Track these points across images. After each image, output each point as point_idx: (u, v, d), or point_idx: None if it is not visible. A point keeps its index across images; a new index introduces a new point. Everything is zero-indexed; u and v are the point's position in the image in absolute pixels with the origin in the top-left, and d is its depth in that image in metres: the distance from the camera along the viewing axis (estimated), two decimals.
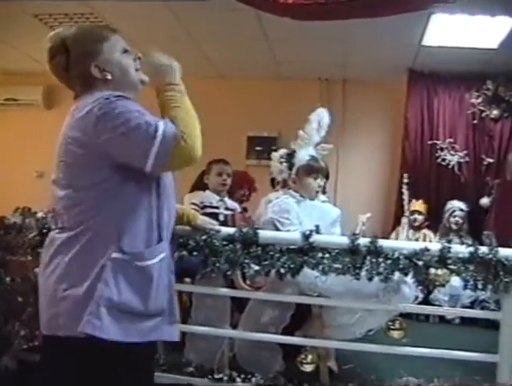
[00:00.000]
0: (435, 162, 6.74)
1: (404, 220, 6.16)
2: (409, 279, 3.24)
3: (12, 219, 3.43)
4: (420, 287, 3.38)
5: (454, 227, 6.20)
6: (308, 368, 3.37)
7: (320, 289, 3.34)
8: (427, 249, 3.17)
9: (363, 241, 3.19)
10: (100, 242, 1.99)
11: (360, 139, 7.23)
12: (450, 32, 5.70)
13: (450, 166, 6.69)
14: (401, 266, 3.15)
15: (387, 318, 3.39)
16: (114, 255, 1.98)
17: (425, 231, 6.28)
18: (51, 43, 2.16)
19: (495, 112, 6.59)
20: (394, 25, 5.07)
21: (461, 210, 6.25)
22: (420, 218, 6.32)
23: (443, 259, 3.18)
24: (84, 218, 1.99)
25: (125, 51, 2.19)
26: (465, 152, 6.69)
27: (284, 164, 4.09)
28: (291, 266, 3.19)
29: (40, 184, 7.18)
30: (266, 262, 3.20)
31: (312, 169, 3.93)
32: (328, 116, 4.18)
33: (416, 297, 3.38)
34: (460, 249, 3.23)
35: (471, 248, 3.20)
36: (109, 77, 2.13)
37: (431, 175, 6.70)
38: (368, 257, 3.18)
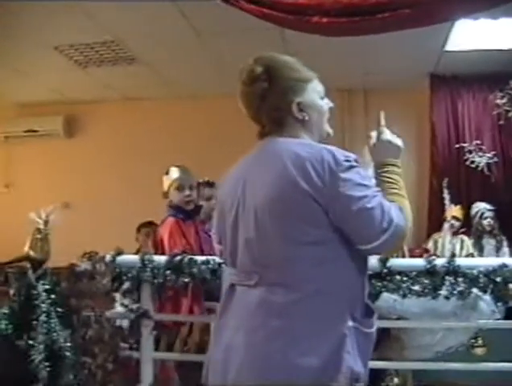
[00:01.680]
0: (463, 165, 6.73)
1: (446, 226, 6.12)
2: (486, 295, 3.24)
3: (82, 265, 3.38)
4: (499, 303, 3.37)
5: (488, 228, 6.14)
6: None
7: (398, 312, 3.35)
8: (504, 265, 3.17)
9: (440, 262, 3.19)
10: (335, 307, 1.86)
11: None
12: (473, 36, 5.73)
13: (479, 168, 6.68)
14: (480, 284, 3.16)
15: (467, 336, 3.39)
16: (350, 323, 1.86)
17: (462, 236, 6.23)
18: (254, 66, 2.03)
19: None
20: (416, 33, 5.05)
21: (489, 210, 6.18)
22: (457, 224, 6.27)
23: None
24: (311, 277, 1.85)
25: (323, 98, 2.11)
26: (493, 152, 6.68)
27: None
28: (371, 292, 3.19)
29: (66, 215, 7.15)
30: None
31: None
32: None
33: (493, 312, 3.36)
34: None
35: None
36: (307, 119, 2.02)
37: (460, 178, 6.70)
38: (446, 277, 3.19)
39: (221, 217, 2.10)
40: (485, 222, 6.16)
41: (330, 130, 2.13)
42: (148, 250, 5.20)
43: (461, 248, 6.10)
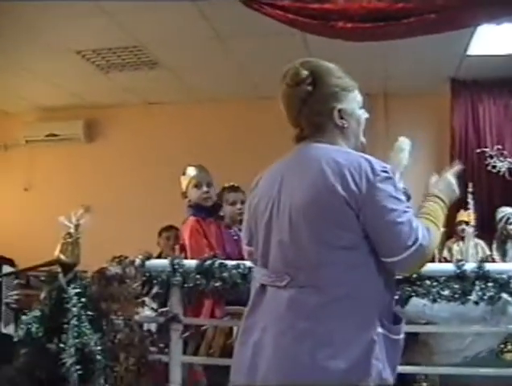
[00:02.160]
0: (484, 170, 6.71)
1: (470, 230, 6.10)
2: None
3: (112, 269, 3.40)
4: None
5: None
6: None
7: (427, 317, 3.34)
8: None
9: (470, 267, 3.19)
10: (364, 312, 1.88)
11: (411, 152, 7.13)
12: (495, 41, 5.72)
13: (501, 173, 6.67)
14: (510, 289, 3.16)
15: (497, 341, 3.38)
16: (379, 329, 1.88)
17: (476, 240, 6.19)
18: (300, 69, 2.04)
19: None
20: (438, 37, 5.05)
21: None
22: (468, 228, 6.22)
23: None
24: (341, 281, 1.88)
25: (361, 108, 2.15)
26: None
27: None
28: (401, 297, 3.19)
29: (88, 218, 7.16)
30: None
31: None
32: (409, 143, 4.15)
33: None
34: None
35: None
36: (346, 126, 2.06)
37: (481, 183, 6.65)
38: (476, 282, 3.18)
39: (253, 218, 2.12)
40: (510, 227, 6.10)
41: (364, 140, 2.16)
42: (169, 254, 5.26)
43: (477, 252, 6.08)
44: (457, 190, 2.21)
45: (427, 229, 1.91)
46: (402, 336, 1.98)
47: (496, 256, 6.05)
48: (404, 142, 4.18)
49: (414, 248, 1.85)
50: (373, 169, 1.89)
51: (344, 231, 1.89)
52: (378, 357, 1.85)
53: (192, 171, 4.19)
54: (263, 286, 2.02)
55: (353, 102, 2.11)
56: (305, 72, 2.04)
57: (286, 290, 1.93)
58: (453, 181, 2.22)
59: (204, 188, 4.07)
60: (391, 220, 1.86)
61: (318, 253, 1.90)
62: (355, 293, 1.88)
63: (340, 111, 2.04)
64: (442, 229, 2.04)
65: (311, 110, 2.04)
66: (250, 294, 2.12)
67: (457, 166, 2.28)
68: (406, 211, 1.88)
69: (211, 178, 4.19)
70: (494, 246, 6.13)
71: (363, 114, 2.15)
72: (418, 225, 1.89)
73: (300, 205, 1.93)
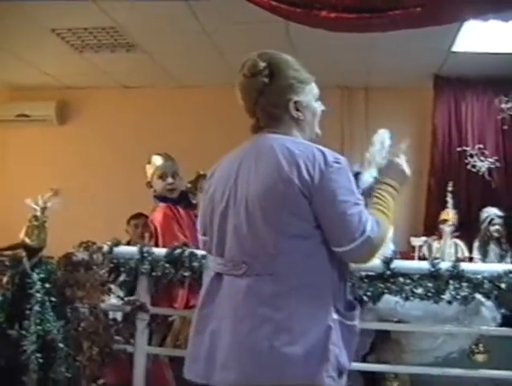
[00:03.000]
0: (464, 169, 6.69)
1: (448, 229, 6.08)
2: (488, 301, 3.20)
3: (79, 255, 3.29)
4: (502, 309, 3.32)
5: (495, 235, 6.08)
6: None
7: (399, 315, 3.31)
8: (510, 271, 3.13)
9: (445, 266, 3.16)
10: (320, 300, 1.95)
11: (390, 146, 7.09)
12: (481, 38, 5.68)
13: (480, 173, 6.65)
14: (484, 290, 3.13)
15: (469, 341, 3.35)
16: (335, 316, 1.94)
17: (456, 240, 6.19)
18: (257, 61, 2.09)
19: None
20: (423, 32, 5.00)
21: (499, 217, 6.12)
22: (448, 227, 6.22)
23: None
24: (297, 270, 1.95)
25: (317, 100, 2.20)
26: (496, 158, 6.64)
27: None
28: (373, 293, 3.14)
29: (57, 201, 7.03)
30: None
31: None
32: (389, 136, 4.10)
33: (495, 319, 3.32)
34: None
35: None
36: (302, 118, 2.11)
37: (461, 182, 6.62)
38: (450, 282, 3.14)
39: (209, 207, 2.14)
40: (493, 228, 6.10)
41: (319, 131, 2.22)
42: (138, 241, 5.18)
43: (456, 252, 6.07)
44: (408, 172, 2.26)
45: (376, 221, 1.98)
46: (357, 322, 2.06)
47: (476, 255, 6.06)
48: (383, 135, 4.13)
49: (361, 239, 1.92)
50: (326, 160, 1.95)
51: (299, 220, 1.95)
52: (335, 343, 1.91)
53: (157, 161, 4.11)
54: (219, 275, 2.05)
55: (309, 94, 2.15)
56: (262, 64, 2.09)
57: (243, 279, 1.97)
58: (402, 163, 2.28)
59: (169, 179, 3.99)
60: (341, 211, 1.93)
61: (274, 242, 1.94)
62: (310, 282, 1.95)
63: (296, 103, 2.10)
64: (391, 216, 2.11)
65: (268, 101, 2.09)
66: (204, 283, 2.14)
67: (405, 143, 2.37)
68: (356, 203, 1.96)
69: (176, 168, 4.11)
70: (476, 245, 6.13)
71: (319, 107, 2.20)
72: (367, 218, 1.96)
73: (256, 194, 1.98)
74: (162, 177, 4.01)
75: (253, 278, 1.96)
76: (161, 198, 3.98)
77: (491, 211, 6.17)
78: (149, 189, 4.13)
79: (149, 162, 4.15)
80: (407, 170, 2.25)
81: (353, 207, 1.93)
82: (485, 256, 6.01)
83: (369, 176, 3.97)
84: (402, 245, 6.19)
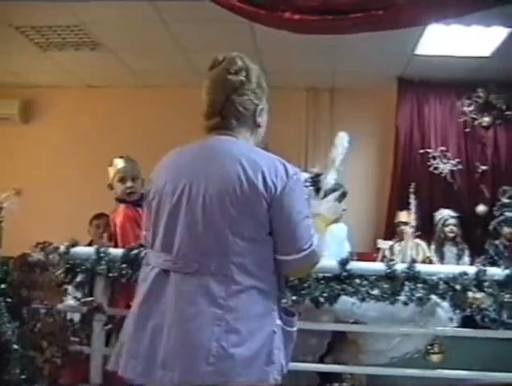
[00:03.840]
0: (427, 171, 6.75)
1: (409, 231, 6.13)
2: (444, 302, 3.24)
3: (35, 255, 3.26)
4: (456, 310, 3.36)
5: (450, 235, 6.16)
6: None
7: (356, 316, 3.33)
8: (465, 273, 3.17)
9: (400, 267, 3.18)
10: (267, 304, 2.02)
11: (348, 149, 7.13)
12: (444, 42, 5.75)
13: (443, 175, 6.72)
14: (439, 291, 3.16)
15: (424, 342, 3.38)
16: (278, 321, 2.03)
17: (417, 241, 6.23)
18: (238, 59, 2.15)
19: (487, 120, 6.67)
20: (387, 35, 5.05)
21: (453, 217, 6.21)
22: (405, 228, 6.26)
23: (480, 282, 3.19)
24: (250, 273, 1.99)
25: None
26: (458, 160, 6.72)
27: (310, 188, 4.00)
28: (329, 294, 3.16)
29: (18, 202, 6.95)
30: (304, 291, 3.16)
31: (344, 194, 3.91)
32: (347, 138, 4.16)
33: (451, 320, 3.36)
34: (497, 272, 3.24)
35: (508, 271, 3.21)
36: (260, 125, 2.20)
37: (423, 184, 6.67)
38: (406, 283, 3.17)
39: (156, 202, 2.13)
40: (447, 229, 6.18)
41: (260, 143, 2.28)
42: (100, 242, 5.14)
43: (417, 253, 6.12)
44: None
45: (318, 238, 2.10)
46: (295, 329, 2.14)
47: (434, 257, 6.12)
48: (343, 138, 4.16)
49: (307, 251, 2.04)
50: (287, 171, 2.03)
51: (256, 224, 2.00)
52: (279, 347, 2.00)
53: (118, 164, 4.10)
54: (165, 271, 2.04)
55: (265, 105, 2.22)
56: (242, 64, 2.15)
57: (195, 277, 1.98)
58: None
59: (129, 183, 3.97)
60: (295, 221, 2.03)
61: (231, 243, 1.98)
62: (260, 285, 2.00)
63: (261, 110, 2.18)
64: None
65: (240, 103, 2.13)
66: (143, 279, 2.12)
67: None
68: (308, 217, 2.09)
69: (137, 172, 4.09)
70: (433, 248, 6.19)
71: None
72: (314, 233, 2.09)
73: (216, 195, 1.99)
74: (122, 180, 4.00)
75: (207, 277, 1.97)
76: (121, 200, 3.97)
77: (444, 213, 6.27)
78: (110, 191, 4.12)
79: (110, 165, 4.14)
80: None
81: (305, 220, 2.05)
82: (442, 258, 6.08)
83: (330, 178, 4.04)
84: (364, 246, 6.25)
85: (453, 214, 6.25)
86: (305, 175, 4.07)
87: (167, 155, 2.27)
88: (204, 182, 2.02)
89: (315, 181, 4.03)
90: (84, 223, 5.91)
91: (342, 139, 4.15)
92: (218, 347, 1.90)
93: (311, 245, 2.03)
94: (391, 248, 6.22)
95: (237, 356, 1.90)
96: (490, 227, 6.04)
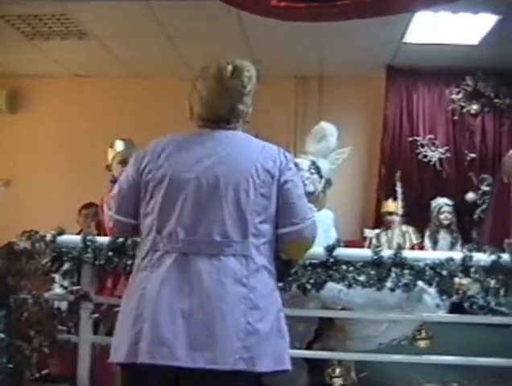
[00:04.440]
0: (415, 159, 6.79)
1: (396, 219, 6.15)
2: (430, 288, 3.25)
3: (21, 244, 3.24)
4: (443, 296, 3.37)
5: (445, 222, 6.24)
6: (337, 382, 3.35)
7: (342, 302, 3.31)
8: (451, 259, 3.17)
9: (387, 253, 3.17)
10: (274, 283, 2.21)
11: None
12: (432, 29, 5.75)
13: (431, 163, 6.75)
14: (426, 277, 3.17)
15: (412, 328, 3.38)
16: (280, 301, 2.22)
17: (404, 228, 6.27)
18: (245, 71, 2.24)
19: (475, 108, 6.72)
20: (375, 22, 5.06)
21: (448, 205, 6.28)
22: (394, 218, 6.28)
23: (466, 268, 3.20)
24: (262, 252, 2.16)
25: None
26: (446, 148, 6.76)
27: (315, 176, 4.00)
28: (316, 281, 3.16)
29: (6, 192, 6.99)
30: (290, 278, 3.16)
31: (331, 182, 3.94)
32: (330, 127, 4.19)
33: (438, 306, 3.37)
34: (482, 257, 3.24)
35: (493, 257, 3.22)
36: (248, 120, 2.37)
37: (412, 172, 6.72)
38: (392, 269, 3.17)
39: (165, 188, 2.17)
40: (442, 216, 6.26)
41: None
42: (89, 232, 5.13)
43: (404, 241, 6.15)
44: None
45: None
46: None
47: (428, 244, 6.17)
48: (329, 128, 4.18)
49: (311, 221, 2.27)
50: (288, 158, 2.26)
51: (270, 205, 2.18)
52: (284, 324, 2.18)
53: (118, 146, 4.19)
54: (185, 255, 2.11)
55: None
56: (250, 74, 2.25)
57: (218, 258, 2.10)
58: None
59: None
60: (300, 196, 2.26)
61: (249, 225, 2.13)
62: (268, 266, 2.18)
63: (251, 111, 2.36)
64: None
65: (241, 102, 2.26)
66: (148, 266, 2.15)
67: None
68: (304, 197, 2.33)
69: None
70: (427, 234, 6.27)
71: None
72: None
73: (235, 180, 2.14)
74: (122, 163, 3.99)
75: (228, 258, 2.10)
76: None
77: (440, 201, 6.34)
78: (108, 172, 4.12)
79: (111, 146, 4.20)
80: None
81: (304, 198, 2.30)
82: (435, 244, 6.13)
83: (325, 166, 4.08)
84: (352, 234, 6.26)
85: (449, 202, 6.33)
86: (307, 163, 4.11)
87: (160, 141, 2.33)
88: (221, 169, 2.15)
89: (317, 168, 4.05)
90: (74, 213, 5.89)
91: (332, 129, 4.22)
92: (246, 323, 2.03)
93: (312, 217, 2.28)
94: (378, 237, 6.26)
95: (261, 331, 2.05)
96: (475, 217, 6.09)
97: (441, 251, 5.71)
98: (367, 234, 6.28)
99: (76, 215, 5.88)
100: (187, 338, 2.00)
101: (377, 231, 6.27)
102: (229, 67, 2.23)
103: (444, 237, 6.21)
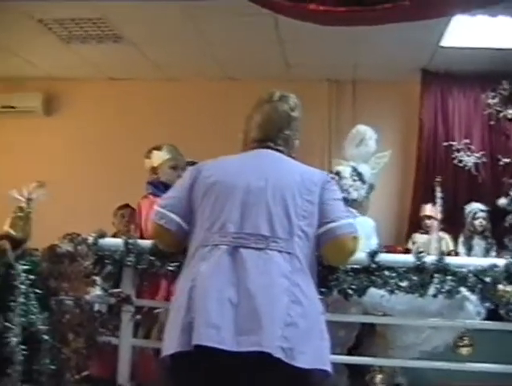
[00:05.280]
0: (451, 164, 6.70)
1: (434, 224, 6.10)
2: (472, 295, 3.22)
3: (64, 246, 3.27)
4: (486, 303, 3.33)
5: (479, 229, 6.15)
6: None
7: (384, 309, 3.31)
8: (495, 265, 3.14)
9: (430, 259, 3.15)
10: (314, 283, 2.36)
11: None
12: (469, 33, 5.71)
13: (467, 168, 6.66)
14: (469, 283, 3.13)
15: (453, 335, 3.35)
16: (322, 307, 2.35)
17: (441, 234, 6.19)
18: (294, 99, 2.59)
19: (511, 112, 6.61)
20: (411, 26, 5.03)
21: (482, 211, 6.19)
22: (430, 222, 6.25)
23: (510, 275, 3.16)
24: (306, 254, 2.32)
25: None
26: (482, 152, 6.66)
27: (358, 182, 3.99)
28: (358, 286, 3.14)
29: (42, 193, 6.94)
30: (332, 283, 3.15)
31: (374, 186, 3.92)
32: (368, 130, 4.17)
33: (479, 313, 3.34)
34: None
35: None
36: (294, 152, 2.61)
37: (447, 177, 6.59)
38: (435, 275, 3.15)
39: (218, 192, 2.39)
40: (476, 222, 6.17)
41: None
42: (123, 230, 5.18)
43: (440, 246, 6.09)
44: None
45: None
46: None
47: (462, 250, 6.10)
48: (368, 131, 4.17)
49: (346, 221, 2.43)
50: (328, 175, 2.69)
51: (313, 211, 2.36)
52: (325, 328, 2.28)
53: (171, 151, 4.24)
54: (234, 248, 2.26)
55: None
56: (296, 102, 2.59)
57: (265, 252, 2.25)
58: None
59: (180, 171, 4.04)
60: (337, 200, 2.47)
61: (295, 225, 2.31)
62: (310, 267, 2.33)
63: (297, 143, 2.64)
64: None
65: (292, 132, 2.55)
66: (198, 260, 2.30)
67: None
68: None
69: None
70: (461, 240, 6.19)
71: None
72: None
73: (284, 185, 2.37)
74: (175, 168, 4.14)
75: (274, 253, 2.25)
76: (163, 185, 4.00)
77: (474, 206, 6.25)
78: (151, 174, 4.17)
79: (159, 149, 4.24)
80: None
81: (341, 202, 2.50)
82: (469, 250, 6.06)
83: (367, 171, 4.06)
84: (387, 239, 6.22)
85: (483, 207, 6.23)
86: (348, 170, 4.10)
87: (214, 160, 2.59)
88: (269, 175, 2.38)
89: (358, 174, 4.04)
90: (107, 216, 5.94)
91: (371, 133, 4.20)
92: (286, 315, 2.13)
93: (347, 217, 2.45)
94: (414, 242, 6.22)
95: (300, 325, 2.14)
96: (506, 224, 6.02)
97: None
98: (416, 239, 6.27)
99: (109, 218, 5.93)
100: (234, 324, 2.11)
101: (425, 236, 6.23)
102: (278, 93, 2.58)
103: (479, 243, 6.13)
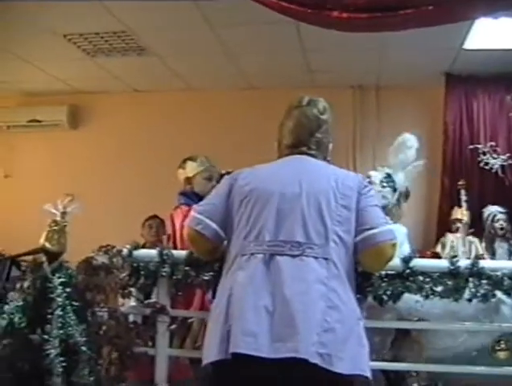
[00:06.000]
0: (477, 167, 6.66)
1: (462, 226, 6.07)
2: (508, 299, 3.20)
3: (99, 259, 3.30)
4: None
5: (500, 232, 6.09)
6: None
7: (419, 314, 3.32)
8: None
9: (464, 263, 3.14)
10: (352, 290, 2.37)
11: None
12: (493, 36, 5.67)
13: (493, 170, 6.62)
14: (504, 287, 3.12)
15: (490, 339, 3.34)
16: (360, 314, 2.36)
17: (470, 238, 6.18)
18: (325, 104, 2.65)
19: None
20: (434, 30, 5.00)
21: (501, 213, 6.14)
22: (462, 226, 6.24)
23: None
24: (344, 261, 2.33)
25: None
26: (508, 155, 6.62)
27: (387, 188, 3.99)
28: (393, 292, 3.14)
29: (75, 206, 6.95)
30: (368, 289, 3.15)
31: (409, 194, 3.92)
32: (410, 139, 4.16)
33: None
34: None
35: None
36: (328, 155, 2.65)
37: (473, 180, 6.60)
38: (470, 279, 3.14)
39: (254, 201, 2.42)
40: (497, 225, 6.11)
41: None
42: (152, 241, 5.22)
43: (469, 250, 6.06)
44: None
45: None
46: None
47: (486, 255, 6.04)
48: (410, 140, 4.15)
49: (384, 227, 2.42)
50: (364, 179, 2.64)
51: (349, 218, 2.37)
52: (364, 333, 2.29)
53: (204, 162, 4.33)
54: (271, 256, 2.29)
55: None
56: (325, 105, 2.65)
57: (300, 259, 2.27)
58: None
59: (214, 182, 4.11)
60: (374, 206, 2.48)
61: (330, 231, 2.32)
62: (348, 273, 2.33)
63: (331, 145, 2.68)
64: None
65: (320, 130, 2.59)
66: (234, 270, 2.35)
67: None
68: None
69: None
70: (483, 245, 6.13)
71: None
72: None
73: (319, 192, 2.38)
74: (210, 179, 4.23)
75: (310, 259, 2.27)
76: (195, 195, 4.04)
77: (493, 208, 6.19)
78: (186, 184, 4.22)
79: (193, 159, 4.32)
80: None
81: (379, 208, 2.52)
82: (493, 254, 6.00)
83: (401, 179, 4.05)
84: (416, 244, 6.19)
85: (502, 209, 6.17)
86: (379, 176, 4.09)
87: (249, 168, 2.61)
88: (303, 180, 2.41)
89: (391, 181, 4.03)
90: (135, 227, 5.96)
91: (408, 141, 4.19)
92: (323, 321, 2.14)
93: (385, 223, 2.44)
94: (443, 245, 6.19)
95: (338, 331, 2.14)
96: None
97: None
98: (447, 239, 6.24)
99: (137, 230, 5.96)
100: (271, 331, 2.13)
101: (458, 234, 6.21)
102: (306, 98, 2.63)
103: (501, 246, 6.07)
